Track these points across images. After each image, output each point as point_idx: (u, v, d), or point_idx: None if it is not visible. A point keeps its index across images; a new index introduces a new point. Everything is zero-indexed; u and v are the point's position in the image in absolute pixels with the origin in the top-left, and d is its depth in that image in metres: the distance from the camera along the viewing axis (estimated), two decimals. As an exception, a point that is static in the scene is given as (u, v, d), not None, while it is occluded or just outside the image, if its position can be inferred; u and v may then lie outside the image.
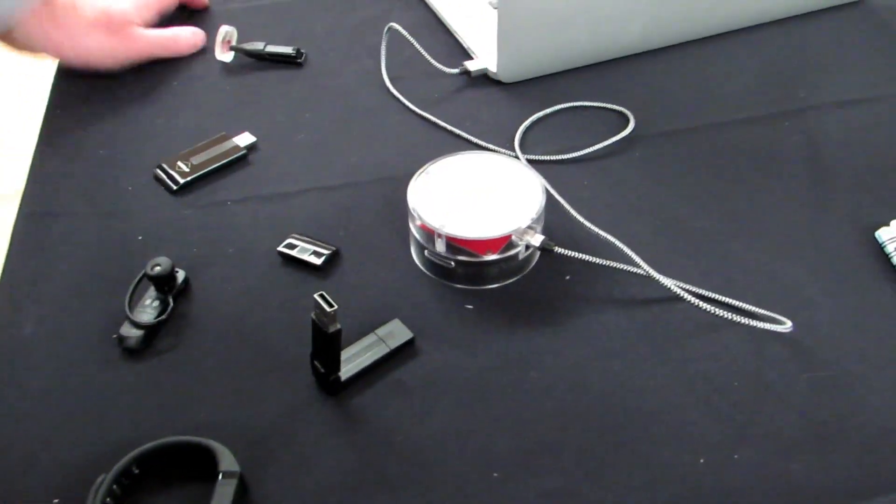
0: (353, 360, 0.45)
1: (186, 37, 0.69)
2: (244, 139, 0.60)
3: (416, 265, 0.51)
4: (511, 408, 0.43)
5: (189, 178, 0.56)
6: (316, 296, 0.40)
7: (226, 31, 0.68)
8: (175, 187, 0.56)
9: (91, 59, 0.64)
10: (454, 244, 0.48)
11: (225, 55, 0.69)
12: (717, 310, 0.45)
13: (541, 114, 0.62)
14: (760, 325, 0.44)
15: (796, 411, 0.42)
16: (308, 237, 0.52)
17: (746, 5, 0.69)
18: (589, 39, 0.66)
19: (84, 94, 0.65)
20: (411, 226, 0.50)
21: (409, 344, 0.46)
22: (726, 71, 0.66)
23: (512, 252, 0.49)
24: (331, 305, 0.40)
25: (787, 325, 0.44)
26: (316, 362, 0.44)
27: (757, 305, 0.47)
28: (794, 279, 0.49)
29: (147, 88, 0.66)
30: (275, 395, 0.44)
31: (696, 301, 0.45)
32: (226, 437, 0.41)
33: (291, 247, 0.52)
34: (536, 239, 0.48)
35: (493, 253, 0.48)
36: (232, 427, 0.42)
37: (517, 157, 0.59)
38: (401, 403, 0.44)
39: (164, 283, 0.47)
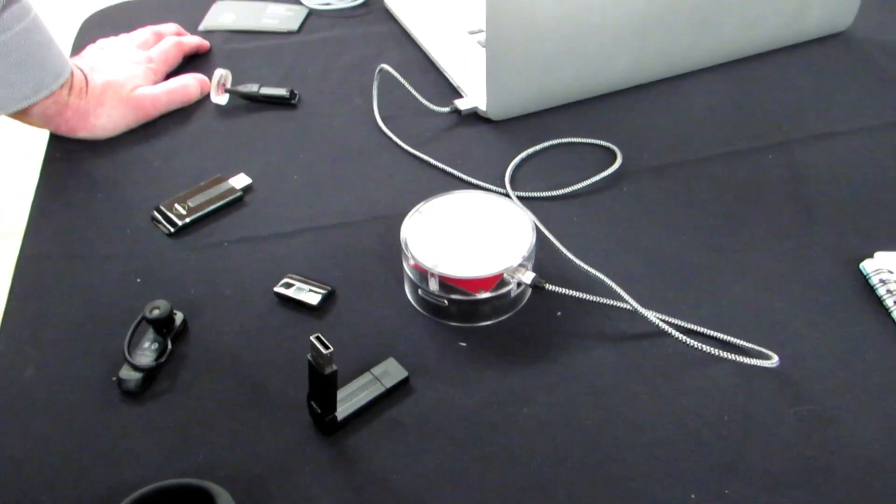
0: (348, 400, 0.46)
1: (194, 84, 0.70)
2: (240, 181, 0.61)
3: (410, 303, 0.52)
4: (505, 445, 0.44)
5: (186, 221, 0.57)
6: (312, 338, 0.41)
7: (221, 74, 0.70)
8: (172, 230, 0.57)
9: (105, 133, 0.66)
10: (447, 283, 0.49)
11: (220, 98, 0.70)
12: (704, 346, 0.46)
13: (530, 151, 0.64)
14: (748, 360, 0.45)
15: (785, 445, 0.43)
16: (304, 277, 0.53)
17: (728, 40, 0.71)
18: (575, 77, 0.67)
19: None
20: (405, 265, 0.51)
21: (404, 383, 0.47)
22: (710, 105, 0.68)
23: (504, 290, 0.50)
24: (327, 347, 0.41)
25: (773, 360, 0.45)
26: (312, 402, 0.44)
27: (744, 339, 0.48)
28: (781, 312, 0.50)
29: (144, 131, 0.67)
30: (272, 436, 0.45)
31: (682, 337, 0.46)
32: (224, 478, 0.42)
33: (288, 287, 0.52)
34: (528, 277, 0.49)
35: (486, 291, 0.49)
36: (230, 468, 0.43)
37: (508, 195, 0.60)
38: (396, 442, 0.44)
39: (162, 325, 0.48)
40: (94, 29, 0.82)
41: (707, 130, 0.65)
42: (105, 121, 0.65)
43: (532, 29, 0.62)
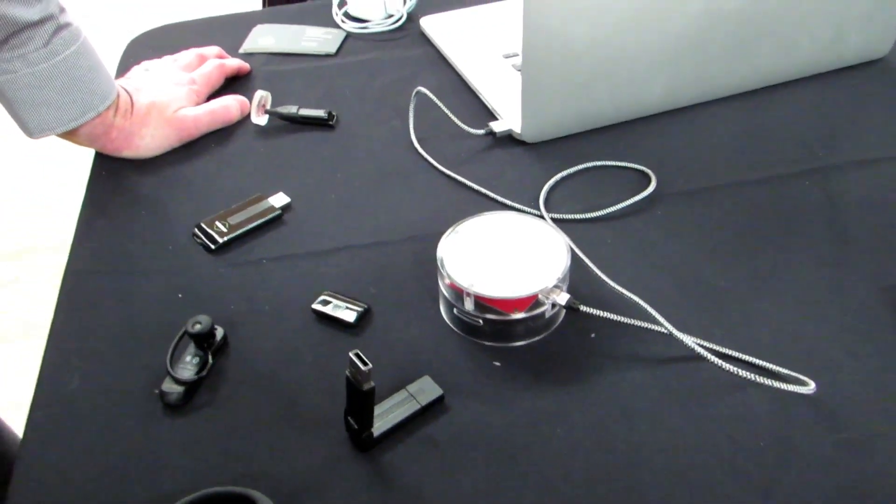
0: (384, 417, 0.46)
1: (235, 106, 0.72)
2: (279, 199, 0.62)
3: (446, 322, 0.53)
4: (538, 465, 0.44)
5: (226, 238, 0.59)
6: (351, 354, 0.42)
7: (261, 95, 0.72)
8: (213, 247, 0.58)
9: (148, 152, 0.68)
10: (482, 303, 0.49)
11: (260, 118, 0.72)
12: (740, 370, 0.46)
13: (564, 173, 0.64)
14: (784, 386, 0.45)
15: (823, 473, 0.43)
16: (341, 295, 0.54)
17: (764, 65, 0.72)
18: (610, 101, 0.68)
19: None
20: (440, 284, 0.52)
21: (439, 401, 0.48)
22: (745, 129, 0.68)
23: (539, 311, 0.50)
24: (365, 364, 0.41)
25: (810, 387, 0.45)
26: (349, 418, 0.45)
27: (780, 365, 0.48)
28: (817, 339, 0.50)
29: (186, 151, 0.69)
30: (309, 451, 0.45)
31: (718, 361, 0.46)
32: (262, 490, 0.42)
33: (325, 304, 0.53)
34: (562, 298, 0.50)
35: (521, 311, 0.50)
36: (268, 481, 0.44)
37: (542, 216, 0.61)
38: (431, 460, 0.45)
39: (203, 340, 0.49)
40: (140, 50, 0.85)
41: (742, 155, 0.65)
42: (149, 141, 0.67)
43: (567, 53, 0.62)
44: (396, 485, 0.44)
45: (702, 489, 0.42)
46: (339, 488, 0.43)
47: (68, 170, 1.81)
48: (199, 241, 0.59)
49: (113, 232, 0.61)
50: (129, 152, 0.67)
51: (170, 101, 0.69)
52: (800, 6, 0.68)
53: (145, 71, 0.75)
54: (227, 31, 0.87)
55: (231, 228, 0.60)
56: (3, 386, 1.51)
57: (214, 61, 0.77)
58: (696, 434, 0.45)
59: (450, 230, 0.53)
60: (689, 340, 0.47)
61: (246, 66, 0.79)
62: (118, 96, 0.65)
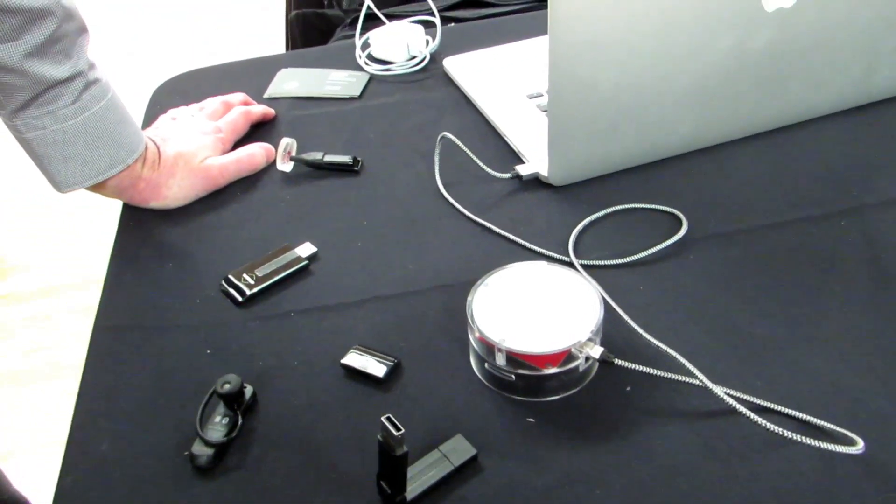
0: (418, 479, 0.45)
1: (261, 153, 0.72)
2: (305, 249, 0.62)
3: (476, 375, 0.52)
4: (577, 529, 0.43)
5: (255, 290, 0.59)
6: (383, 419, 0.41)
7: (286, 142, 0.72)
8: (241, 299, 0.58)
9: (176, 202, 0.68)
10: (514, 357, 0.48)
11: (285, 165, 0.72)
12: (782, 429, 0.44)
13: (592, 217, 0.64)
14: (831, 447, 0.43)
15: (873, 535, 0.41)
16: (370, 348, 0.54)
17: (794, 102, 0.70)
18: (637, 142, 0.67)
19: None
20: (471, 337, 0.51)
21: (472, 461, 0.47)
22: (777, 168, 0.67)
23: (572, 365, 0.49)
24: (398, 429, 0.41)
25: (859, 447, 0.43)
26: (382, 482, 0.44)
27: (824, 419, 0.47)
28: (862, 389, 0.48)
29: (212, 200, 0.69)
30: (341, 515, 0.45)
31: (757, 418, 0.45)
32: (295, 560, 0.42)
33: (354, 359, 0.53)
34: (596, 351, 0.49)
35: (553, 366, 0.49)
36: (300, 549, 0.43)
37: (572, 264, 0.60)
38: (466, 524, 0.44)
39: (233, 400, 0.49)
40: (166, 97, 0.86)
41: (775, 194, 0.64)
42: (176, 191, 0.67)
43: (594, 96, 0.62)
44: (431, 551, 0.43)
45: (748, 554, 0.41)
46: (372, 555, 0.42)
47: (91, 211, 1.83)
48: (227, 293, 0.59)
49: (141, 285, 0.61)
50: (156, 203, 0.67)
51: (196, 150, 0.69)
52: (829, 43, 0.67)
53: (172, 120, 0.76)
54: (251, 75, 0.87)
55: (259, 280, 0.59)
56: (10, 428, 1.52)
57: (239, 108, 0.77)
58: (740, 493, 0.44)
59: (479, 282, 0.53)
60: (725, 395, 0.46)
61: (271, 111, 0.80)
62: (146, 148, 0.65)
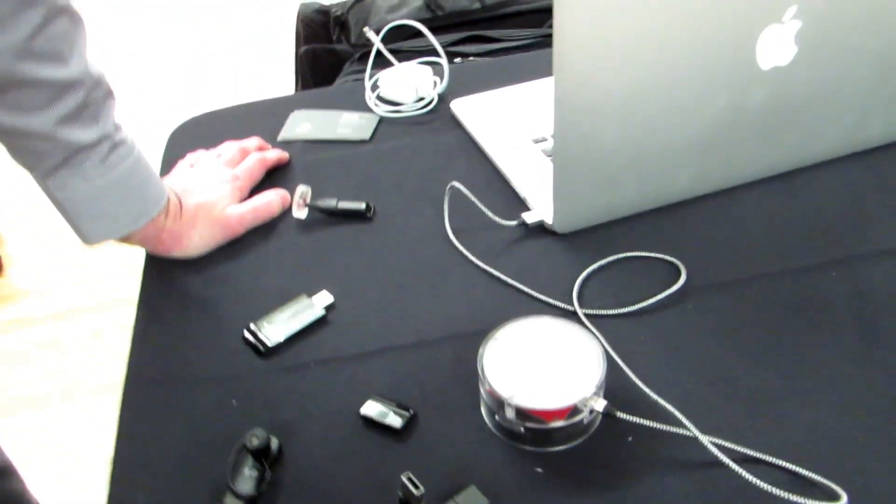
0: (434, 529, 0.49)
1: (277, 201, 0.76)
2: (323, 299, 0.65)
3: (487, 425, 0.55)
4: (584, 578, 0.46)
5: (276, 342, 0.62)
6: (403, 478, 0.44)
7: (302, 191, 0.75)
8: (263, 350, 0.62)
9: (196, 251, 0.71)
10: (523, 412, 0.52)
11: (301, 212, 0.75)
12: (768, 485, 0.47)
13: (595, 266, 0.67)
14: None
15: (858, 584, 0.44)
16: (387, 399, 0.57)
17: (789, 151, 0.74)
18: (638, 191, 0.70)
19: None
20: (482, 390, 0.55)
21: (486, 511, 0.50)
22: (772, 216, 0.70)
23: (577, 418, 0.52)
24: (417, 488, 0.44)
25: (842, 501, 0.47)
26: (402, 535, 0.47)
27: (812, 469, 0.50)
28: (847, 441, 0.52)
29: (230, 248, 0.72)
30: (364, 564, 0.48)
31: (743, 472, 0.48)
32: None
33: (372, 410, 0.56)
34: (599, 405, 0.52)
35: (560, 420, 0.52)
36: None
37: (576, 312, 0.63)
38: (480, 573, 0.47)
39: (261, 454, 0.52)
40: (182, 140, 0.89)
41: (770, 243, 0.67)
42: (197, 241, 0.71)
43: (596, 150, 0.65)
44: None
45: None
46: None
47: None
48: (249, 343, 0.63)
49: (168, 336, 0.64)
50: (178, 252, 0.71)
51: (216, 200, 0.72)
52: (823, 96, 0.70)
53: (190, 167, 0.79)
54: (265, 116, 0.91)
55: (279, 331, 0.63)
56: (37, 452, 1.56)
57: (255, 155, 0.80)
58: (735, 543, 0.47)
59: (489, 336, 0.56)
60: (715, 448, 0.49)
61: (285, 155, 0.83)
62: (168, 200, 0.69)
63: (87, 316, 1.79)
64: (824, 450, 0.51)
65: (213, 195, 0.73)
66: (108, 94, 0.64)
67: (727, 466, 0.50)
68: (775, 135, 0.71)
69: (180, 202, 0.71)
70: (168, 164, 0.85)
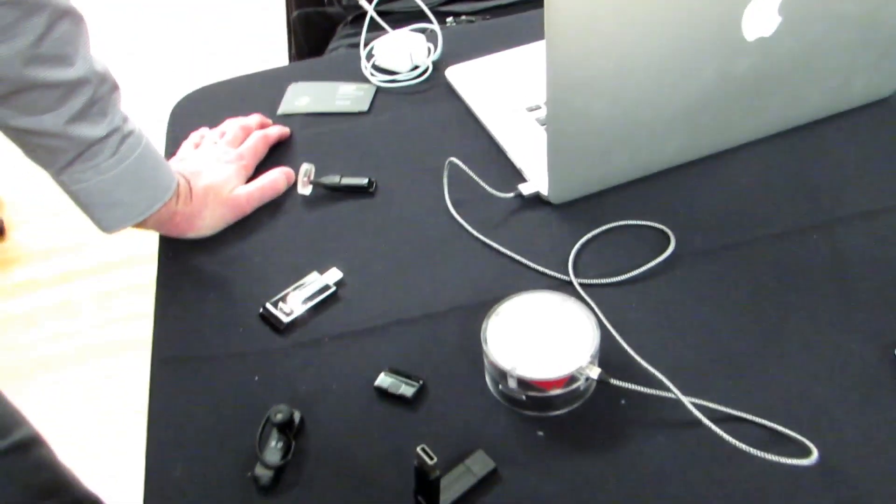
0: (447, 491, 0.54)
1: (282, 179, 0.79)
2: (333, 275, 0.69)
3: (492, 393, 0.60)
4: (583, 531, 0.52)
5: (291, 318, 0.66)
6: (419, 450, 0.49)
7: (306, 168, 0.78)
8: (280, 327, 0.66)
9: (208, 231, 0.74)
10: (524, 381, 0.56)
11: (305, 189, 0.78)
12: (743, 444, 0.52)
13: (589, 235, 0.70)
14: (787, 461, 0.51)
15: (827, 529, 0.50)
16: (398, 371, 0.61)
17: (775, 115, 0.76)
18: (630, 160, 0.73)
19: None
20: (486, 361, 0.59)
21: (493, 473, 0.55)
22: (757, 181, 0.74)
23: (574, 385, 0.57)
24: (432, 458, 0.49)
25: (812, 458, 0.52)
26: (419, 497, 0.53)
27: (789, 427, 0.55)
28: (822, 399, 0.56)
29: (241, 227, 0.76)
30: (385, 525, 0.53)
31: (720, 432, 0.53)
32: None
33: (385, 382, 0.61)
34: (594, 372, 0.57)
35: (558, 388, 0.57)
36: (353, 555, 0.52)
37: (571, 282, 0.67)
38: (490, 529, 0.52)
39: (285, 427, 0.57)
40: (184, 115, 0.91)
41: (755, 208, 0.71)
42: (209, 221, 0.74)
43: (588, 122, 0.68)
44: (462, 553, 0.51)
45: (724, 548, 0.50)
46: (413, 559, 0.51)
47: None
48: (266, 321, 0.67)
49: (188, 316, 0.68)
50: (191, 233, 0.74)
51: (224, 181, 0.75)
52: (807, 64, 0.73)
53: (195, 147, 0.82)
54: (263, 89, 0.93)
55: (294, 308, 0.67)
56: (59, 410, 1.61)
57: (258, 134, 0.83)
58: (717, 495, 0.52)
59: (491, 311, 0.60)
60: (695, 409, 0.54)
61: (286, 131, 0.86)
62: (178, 185, 0.72)
63: (93, 278, 1.83)
64: (800, 409, 0.56)
65: (221, 176, 0.76)
66: (114, 88, 0.66)
67: (708, 426, 0.55)
68: (761, 101, 0.74)
69: (190, 185, 0.73)
70: (172, 141, 0.87)
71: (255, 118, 0.86)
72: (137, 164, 0.68)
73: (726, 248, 0.68)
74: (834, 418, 0.55)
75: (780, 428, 0.55)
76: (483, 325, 0.59)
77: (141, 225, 0.72)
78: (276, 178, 0.79)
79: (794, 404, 0.56)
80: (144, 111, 0.88)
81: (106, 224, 0.69)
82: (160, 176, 0.70)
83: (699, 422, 0.55)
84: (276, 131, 0.85)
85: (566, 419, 0.58)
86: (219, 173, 0.76)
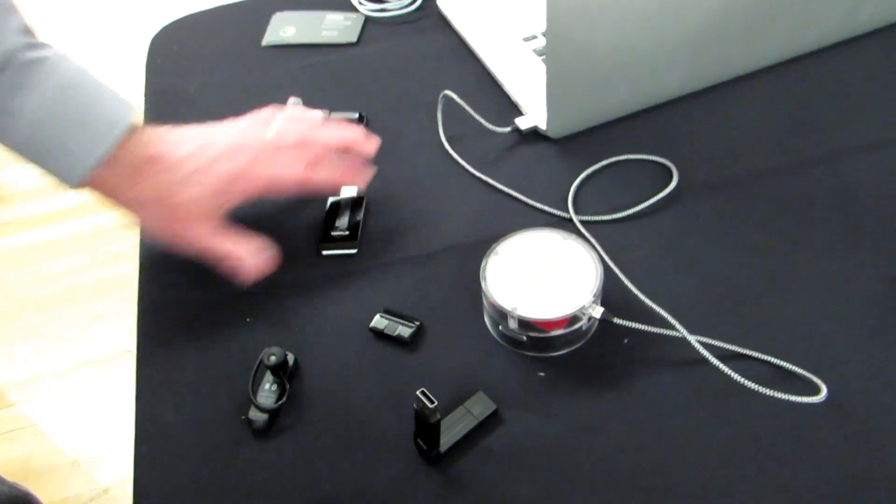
0: (447, 433, 0.53)
1: (240, 257, 0.61)
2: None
3: (491, 334, 0.59)
4: (586, 471, 0.51)
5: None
6: (418, 393, 0.48)
7: (293, 101, 0.75)
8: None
9: (147, 232, 0.64)
10: (525, 322, 0.55)
11: (295, 124, 0.75)
12: (750, 382, 0.51)
13: (589, 171, 0.68)
14: (796, 398, 0.50)
15: (834, 466, 0.49)
16: (394, 313, 0.60)
17: (781, 42, 0.73)
18: (631, 91, 0.71)
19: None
20: (485, 302, 0.57)
21: (494, 414, 0.54)
22: (762, 112, 0.71)
23: (576, 326, 0.55)
24: (432, 402, 0.47)
25: (821, 395, 0.51)
26: (419, 440, 0.51)
27: (795, 363, 0.54)
28: (829, 335, 0.55)
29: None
30: (383, 467, 0.52)
31: (727, 369, 0.52)
32: (349, 509, 0.49)
33: (381, 324, 0.59)
34: (597, 311, 0.55)
35: (560, 329, 0.55)
36: (350, 497, 0.51)
37: (572, 219, 0.65)
38: (491, 470, 0.51)
39: (279, 369, 0.55)
40: (164, 45, 0.87)
41: (759, 141, 0.69)
42: (145, 220, 0.61)
43: (589, 51, 0.65)
44: (464, 495, 0.50)
45: (729, 486, 0.49)
46: (413, 501, 0.50)
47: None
48: (256, 262, 0.64)
49: (173, 258, 0.65)
50: (129, 218, 0.60)
51: (180, 202, 0.58)
52: (814, -11, 0.69)
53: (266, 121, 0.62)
54: (246, 19, 0.89)
55: (285, 249, 0.64)
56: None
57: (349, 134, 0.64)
58: (722, 434, 0.51)
59: (490, 250, 0.58)
60: (701, 347, 0.53)
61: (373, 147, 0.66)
62: (142, 130, 0.58)
63: (79, 217, 1.80)
64: (806, 345, 0.55)
65: (192, 188, 0.58)
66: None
67: (712, 364, 0.54)
68: (766, 28, 0.71)
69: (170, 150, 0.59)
70: (154, 75, 0.83)
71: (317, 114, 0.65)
72: (57, 95, 0.55)
73: (730, 182, 0.66)
74: (841, 354, 0.54)
75: (786, 365, 0.54)
76: (482, 265, 0.57)
77: (107, 187, 0.58)
78: (241, 255, 0.61)
79: (801, 341, 0.55)
80: (122, 43, 0.83)
81: (61, 175, 0.56)
82: (100, 110, 0.56)
83: (704, 360, 0.54)
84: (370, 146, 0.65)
85: (567, 359, 0.57)
86: (205, 180, 0.59)
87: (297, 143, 0.62)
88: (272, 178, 0.61)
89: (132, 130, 0.57)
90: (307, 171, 0.62)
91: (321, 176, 0.62)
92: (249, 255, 0.61)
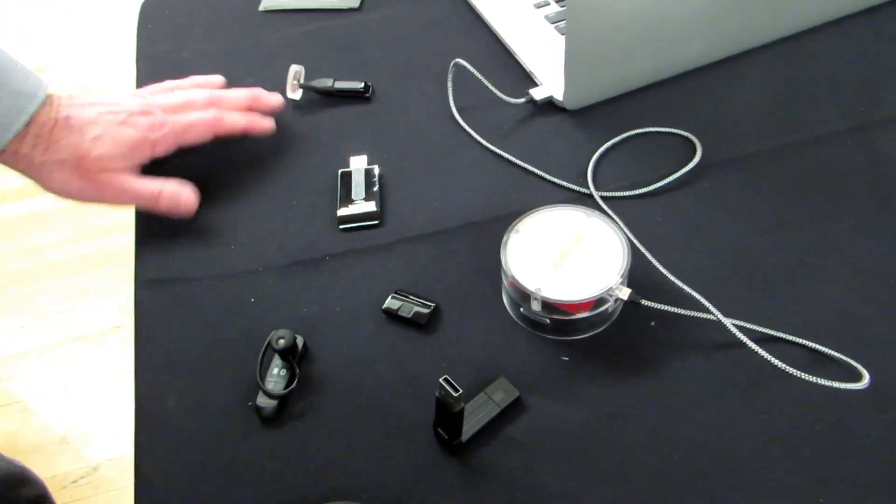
0: (468, 421, 0.50)
1: (168, 196, 0.61)
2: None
3: (510, 316, 0.56)
4: (615, 459, 0.48)
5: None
6: (442, 381, 0.45)
7: (295, 70, 0.71)
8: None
9: (63, 195, 0.61)
10: (549, 304, 0.52)
11: (295, 94, 0.71)
12: (787, 366, 0.49)
13: (608, 144, 0.65)
14: (837, 385, 0.48)
15: (875, 455, 0.47)
16: (407, 293, 0.56)
17: (808, 8, 0.70)
18: (651, 61, 0.67)
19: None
20: (505, 282, 0.54)
21: (517, 401, 0.51)
22: (785, 83, 0.68)
23: (602, 308, 0.53)
24: (456, 390, 0.45)
25: (864, 382, 0.48)
26: (439, 429, 0.49)
27: (832, 347, 0.51)
28: (866, 317, 0.53)
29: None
30: (401, 457, 0.49)
31: (765, 353, 0.49)
32: (366, 499, 0.47)
33: (394, 305, 0.56)
34: (624, 293, 0.52)
35: (585, 311, 0.52)
36: (365, 488, 0.48)
37: (591, 195, 0.62)
38: (515, 459, 0.49)
39: (288, 353, 0.52)
40: (154, 13, 0.82)
41: (785, 113, 0.66)
42: (60, 183, 0.60)
43: (609, 20, 0.61)
44: (486, 486, 0.48)
45: (764, 475, 0.47)
46: (434, 493, 0.48)
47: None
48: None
49: (171, 234, 0.62)
50: (45, 187, 0.60)
51: (93, 157, 0.59)
52: (846, -47, 0.66)
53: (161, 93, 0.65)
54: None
55: (290, 225, 0.61)
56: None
57: (240, 92, 0.67)
58: (756, 421, 0.49)
59: (510, 229, 0.55)
60: (737, 330, 0.50)
61: (277, 102, 0.68)
62: (55, 101, 0.58)
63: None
64: (843, 328, 0.53)
65: (117, 141, 0.59)
66: None
67: (748, 347, 0.51)
68: (794, -5, 0.68)
69: (63, 121, 0.58)
70: (146, 43, 0.79)
71: (217, 78, 0.69)
72: None
73: (756, 155, 0.63)
74: (880, 337, 0.52)
75: (824, 349, 0.51)
76: (502, 243, 0.54)
77: (22, 164, 0.58)
78: (163, 192, 0.61)
79: (837, 323, 0.53)
80: (112, 9, 0.79)
81: None
82: (15, 86, 0.56)
83: (736, 344, 0.52)
84: (271, 100, 0.68)
85: (591, 343, 0.54)
86: (118, 135, 0.59)
87: (206, 103, 0.65)
88: (186, 124, 0.63)
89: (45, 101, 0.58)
90: (218, 114, 0.64)
91: (232, 118, 0.65)
92: (181, 186, 0.62)
